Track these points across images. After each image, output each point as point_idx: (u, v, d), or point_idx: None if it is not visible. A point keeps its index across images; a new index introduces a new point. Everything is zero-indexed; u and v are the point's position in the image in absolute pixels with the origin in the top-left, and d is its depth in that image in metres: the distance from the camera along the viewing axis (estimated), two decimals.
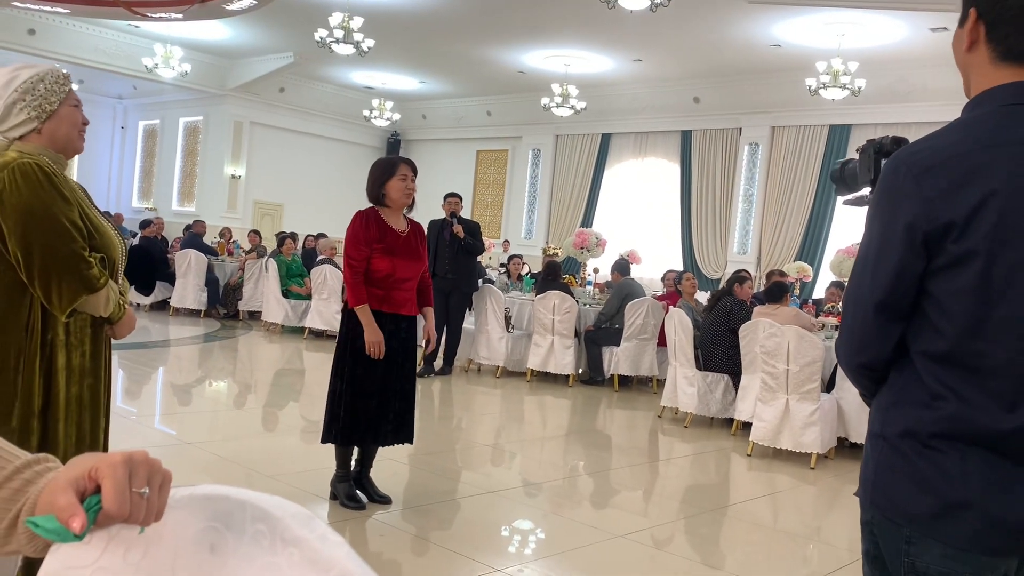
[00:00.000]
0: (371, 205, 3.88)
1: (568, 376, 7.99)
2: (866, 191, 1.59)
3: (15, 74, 2.15)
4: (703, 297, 8.70)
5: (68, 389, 2.17)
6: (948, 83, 7.84)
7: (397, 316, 3.82)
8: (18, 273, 2.09)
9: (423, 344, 4.18)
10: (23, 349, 2.10)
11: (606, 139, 15.41)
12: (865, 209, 1.41)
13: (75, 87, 2.27)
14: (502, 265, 12.36)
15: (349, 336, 3.79)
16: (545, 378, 8.16)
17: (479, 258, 8.84)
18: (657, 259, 13.36)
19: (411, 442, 3.96)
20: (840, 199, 1.72)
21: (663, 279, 9.26)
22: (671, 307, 7.10)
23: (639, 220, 14.89)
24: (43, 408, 2.14)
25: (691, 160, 14.24)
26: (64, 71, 2.25)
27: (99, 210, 2.37)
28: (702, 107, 13.81)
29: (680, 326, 6.53)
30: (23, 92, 2.13)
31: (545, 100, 13.09)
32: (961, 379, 1.24)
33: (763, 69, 12.32)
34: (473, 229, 7.81)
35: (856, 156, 1.62)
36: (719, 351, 6.50)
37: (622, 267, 8.56)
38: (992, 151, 1.22)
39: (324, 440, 3.85)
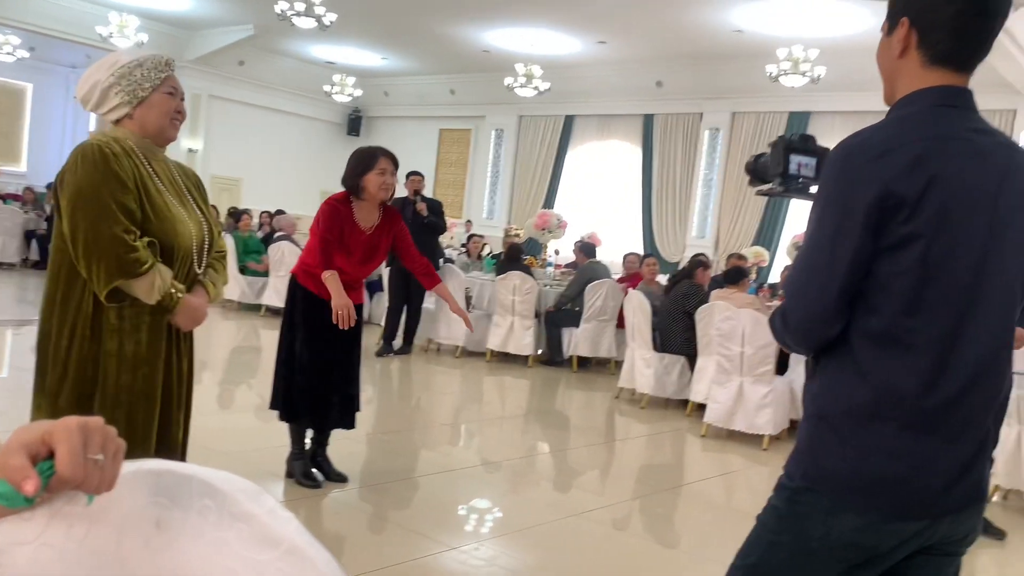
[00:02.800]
0: (343, 191, 3.73)
1: (528, 357, 8.02)
2: (775, 183, 1.69)
3: (117, 58, 2.18)
4: (664, 280, 8.76)
5: (119, 376, 2.13)
6: None
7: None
8: None
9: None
10: (74, 331, 2.11)
11: (569, 121, 15.38)
12: (781, 199, 1.48)
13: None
14: (463, 245, 12.32)
15: (293, 312, 3.76)
16: (505, 358, 8.18)
17: (441, 239, 8.80)
18: (617, 241, 13.42)
19: (353, 427, 3.87)
20: (753, 190, 1.79)
21: (624, 261, 9.30)
22: (630, 289, 7.15)
23: (600, 202, 14.93)
24: (91, 394, 2.12)
25: (653, 144, 14.29)
26: (167, 58, 2.25)
27: (203, 200, 2.35)
28: (665, 91, 13.85)
29: (639, 308, 6.59)
30: (119, 77, 2.16)
31: (509, 80, 12.99)
32: (893, 357, 1.32)
33: (725, 54, 12.38)
34: (435, 207, 7.77)
35: (768, 151, 1.69)
36: (676, 333, 6.57)
37: (587, 249, 8.56)
38: (931, 142, 1.32)
39: (271, 406, 3.85)
